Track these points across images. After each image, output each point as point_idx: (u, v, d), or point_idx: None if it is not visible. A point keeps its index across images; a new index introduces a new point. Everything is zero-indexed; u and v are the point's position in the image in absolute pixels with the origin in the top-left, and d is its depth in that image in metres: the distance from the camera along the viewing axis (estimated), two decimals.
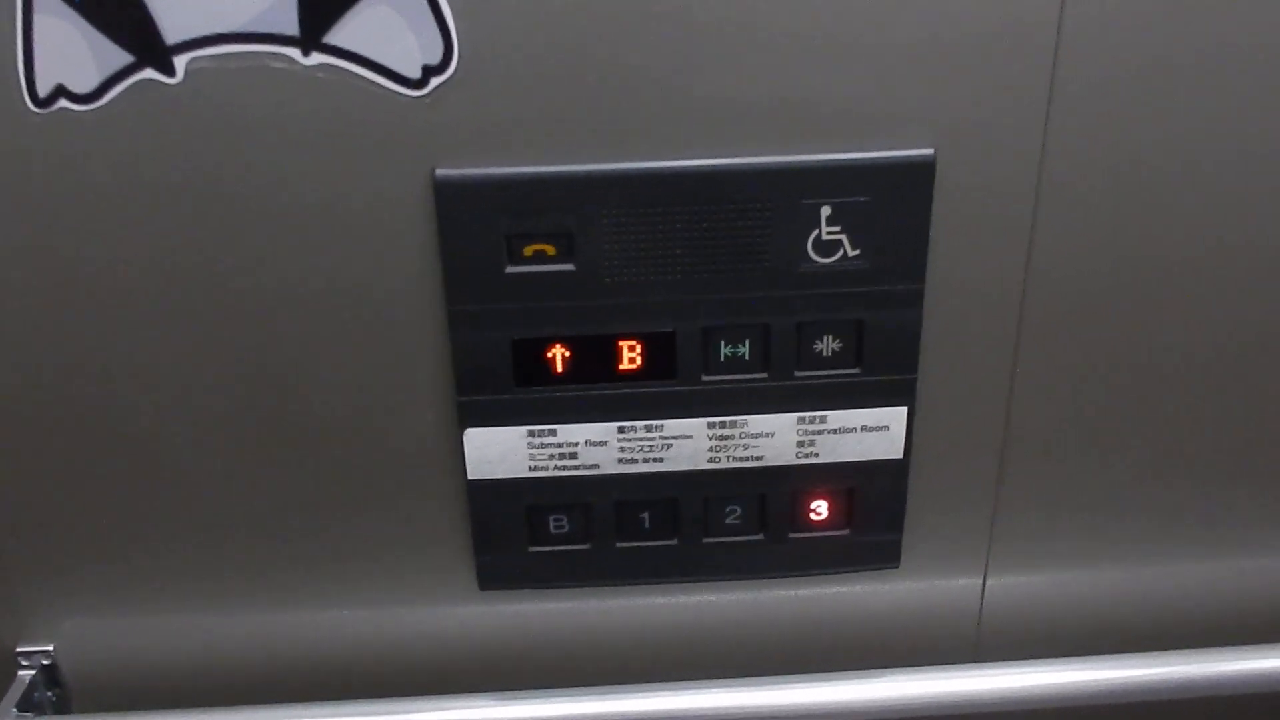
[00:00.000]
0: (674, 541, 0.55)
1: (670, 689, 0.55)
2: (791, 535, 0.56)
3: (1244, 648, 0.56)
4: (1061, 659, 0.56)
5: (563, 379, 0.51)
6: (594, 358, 0.50)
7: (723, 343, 0.50)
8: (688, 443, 0.53)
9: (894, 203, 0.48)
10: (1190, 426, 0.55)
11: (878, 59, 0.46)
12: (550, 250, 0.48)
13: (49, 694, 0.58)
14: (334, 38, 0.44)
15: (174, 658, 0.58)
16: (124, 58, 0.44)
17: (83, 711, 0.59)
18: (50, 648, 0.58)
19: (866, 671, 0.56)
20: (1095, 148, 0.48)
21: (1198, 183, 0.49)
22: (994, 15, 0.45)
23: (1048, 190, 0.49)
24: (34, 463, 0.53)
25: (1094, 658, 0.56)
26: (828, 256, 0.49)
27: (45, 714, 0.58)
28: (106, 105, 0.45)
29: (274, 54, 0.44)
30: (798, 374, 0.51)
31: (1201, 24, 0.46)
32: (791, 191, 0.47)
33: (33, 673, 0.58)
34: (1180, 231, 0.50)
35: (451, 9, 0.43)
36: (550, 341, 0.50)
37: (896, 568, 0.57)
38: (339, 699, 0.55)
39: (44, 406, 0.51)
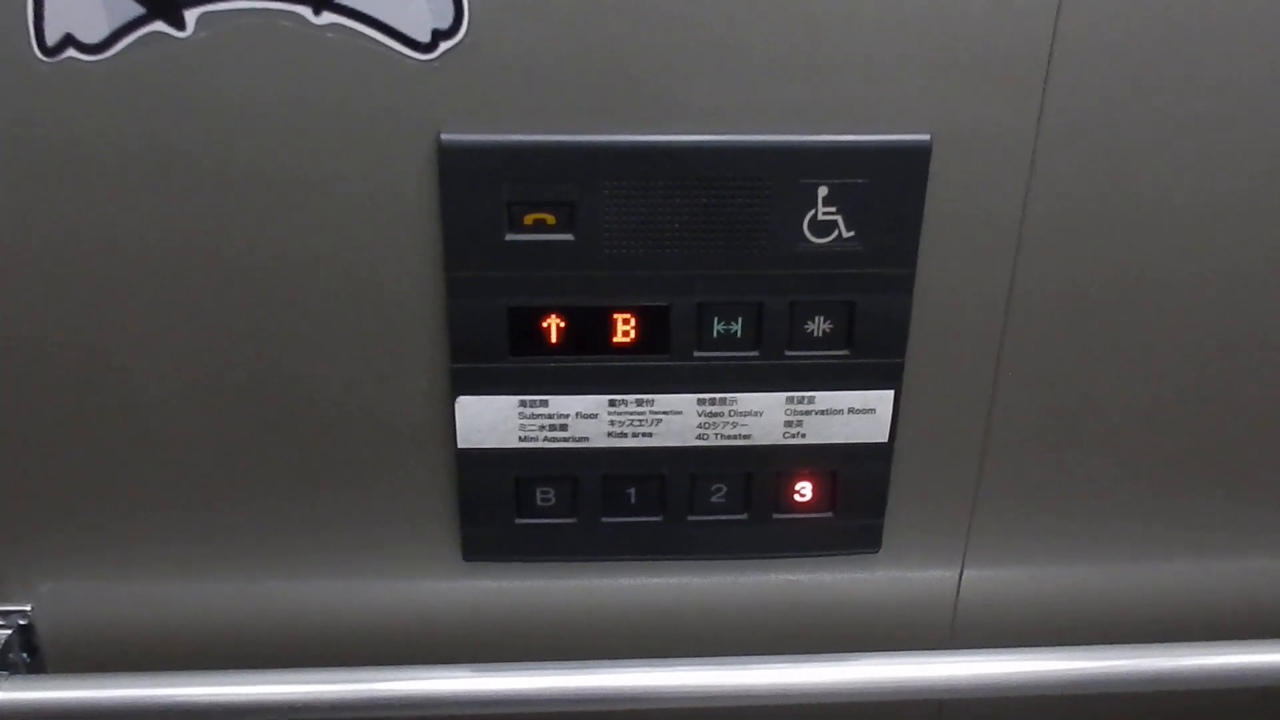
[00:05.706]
0: (659, 518, 0.56)
1: (648, 666, 0.55)
2: (775, 516, 0.56)
3: (1216, 643, 0.57)
4: (1035, 648, 0.57)
5: (556, 349, 0.51)
6: (588, 329, 0.51)
7: (716, 319, 0.51)
8: (677, 418, 0.53)
9: (890, 186, 0.49)
10: (1171, 426, 0.56)
11: (879, 46, 0.46)
12: (550, 219, 0.48)
13: (24, 655, 0.58)
14: None
15: (153, 623, 0.58)
16: (134, 9, 0.44)
17: (57, 673, 0.59)
18: (28, 608, 0.57)
19: (843, 655, 0.56)
20: (1087, 144, 0.49)
21: (1189, 181, 0.50)
22: (993, 9, 0.46)
23: (1039, 183, 0.50)
24: (14, 423, 0.52)
25: (1068, 648, 0.56)
26: (823, 237, 0.49)
27: (20, 674, 0.57)
28: (115, 57, 0.45)
29: (285, 11, 0.44)
30: (788, 353, 0.52)
31: (1197, 21, 0.47)
32: (790, 170, 0.48)
33: (9, 633, 0.57)
34: (1170, 231, 0.51)
35: None
36: (546, 311, 0.50)
37: (877, 552, 0.58)
38: (316, 667, 0.55)
39: (25, 368, 0.51)
